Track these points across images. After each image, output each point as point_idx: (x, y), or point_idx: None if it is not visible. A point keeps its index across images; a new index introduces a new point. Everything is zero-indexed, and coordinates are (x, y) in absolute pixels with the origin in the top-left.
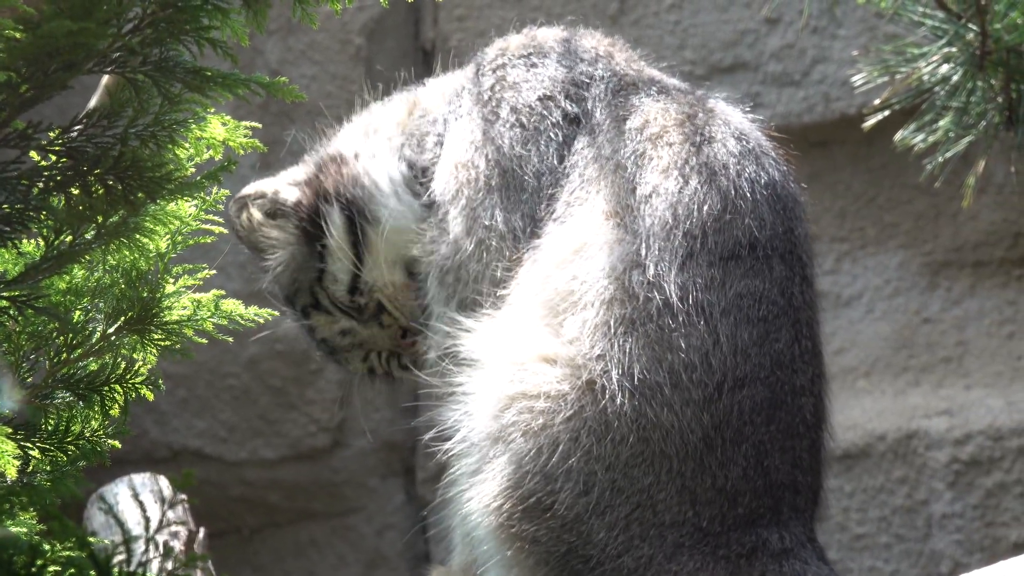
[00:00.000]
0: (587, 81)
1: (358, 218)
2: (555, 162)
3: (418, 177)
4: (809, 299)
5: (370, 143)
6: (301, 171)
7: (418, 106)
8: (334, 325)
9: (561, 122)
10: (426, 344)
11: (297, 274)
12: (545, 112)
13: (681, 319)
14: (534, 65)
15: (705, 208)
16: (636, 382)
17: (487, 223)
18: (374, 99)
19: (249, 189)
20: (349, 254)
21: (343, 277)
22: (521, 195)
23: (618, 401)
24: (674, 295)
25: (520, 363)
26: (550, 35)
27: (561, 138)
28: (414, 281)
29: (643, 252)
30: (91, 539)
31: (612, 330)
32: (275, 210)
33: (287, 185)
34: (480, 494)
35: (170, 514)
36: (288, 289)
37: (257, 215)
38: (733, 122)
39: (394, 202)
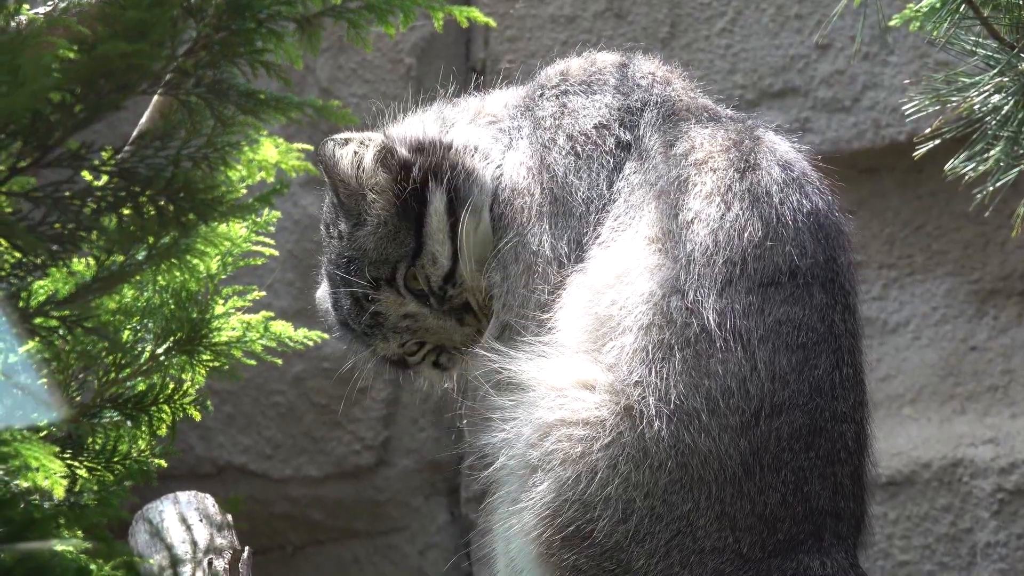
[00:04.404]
0: (641, 107)
1: (459, 206)
2: (604, 188)
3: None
4: (851, 327)
5: (456, 135)
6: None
7: (485, 112)
8: (401, 307)
9: (614, 149)
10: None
11: (386, 243)
12: (600, 140)
13: (719, 345)
14: (593, 92)
15: (746, 234)
16: (673, 407)
17: (535, 248)
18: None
19: (349, 134)
20: (448, 241)
21: (444, 262)
22: (569, 221)
23: (655, 427)
24: (712, 321)
25: (559, 389)
26: (609, 60)
27: (612, 165)
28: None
29: (683, 277)
30: (137, 559)
31: (650, 355)
32: (386, 161)
33: (397, 143)
34: (520, 522)
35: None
36: (371, 256)
37: (368, 157)
38: (779, 151)
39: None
